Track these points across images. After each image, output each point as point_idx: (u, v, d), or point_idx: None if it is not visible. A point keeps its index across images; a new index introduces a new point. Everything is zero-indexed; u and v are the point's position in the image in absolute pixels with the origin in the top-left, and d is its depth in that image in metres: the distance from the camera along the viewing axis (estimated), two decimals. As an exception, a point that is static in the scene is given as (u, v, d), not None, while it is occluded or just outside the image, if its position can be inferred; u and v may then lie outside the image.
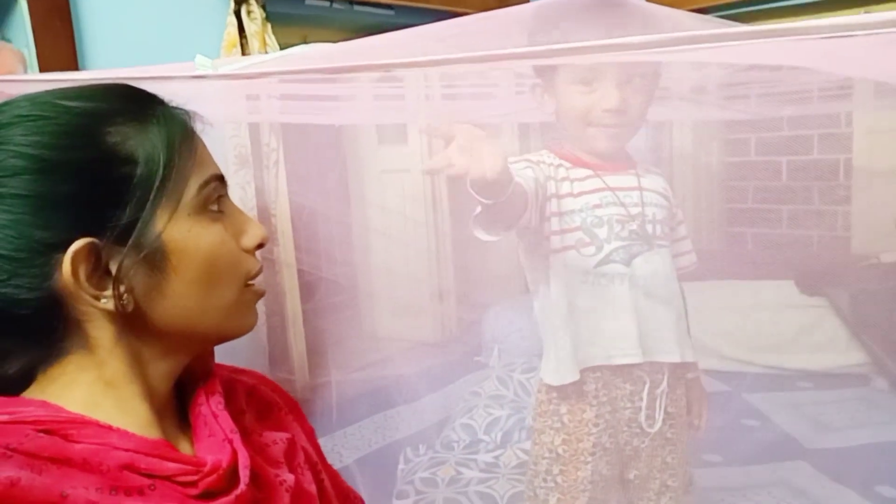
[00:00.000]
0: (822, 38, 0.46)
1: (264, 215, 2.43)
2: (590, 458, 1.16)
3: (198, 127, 0.63)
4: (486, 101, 1.59)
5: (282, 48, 2.27)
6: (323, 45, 1.14)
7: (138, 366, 0.59)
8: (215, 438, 0.60)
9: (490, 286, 3.18)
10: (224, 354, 0.71)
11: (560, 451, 1.18)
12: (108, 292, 0.54)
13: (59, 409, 0.54)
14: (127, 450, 0.53)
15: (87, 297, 0.54)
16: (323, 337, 2.68)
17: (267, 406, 0.74)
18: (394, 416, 2.52)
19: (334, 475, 0.80)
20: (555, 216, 1.12)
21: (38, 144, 0.53)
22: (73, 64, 1.97)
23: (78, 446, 0.51)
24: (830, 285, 2.62)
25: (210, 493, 0.56)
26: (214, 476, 0.56)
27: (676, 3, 1.01)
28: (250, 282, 0.64)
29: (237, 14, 2.24)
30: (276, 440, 0.68)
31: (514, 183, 0.92)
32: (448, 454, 2.19)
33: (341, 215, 2.75)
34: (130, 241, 0.55)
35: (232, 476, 0.57)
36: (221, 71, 0.90)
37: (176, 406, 0.65)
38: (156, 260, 0.56)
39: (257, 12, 2.27)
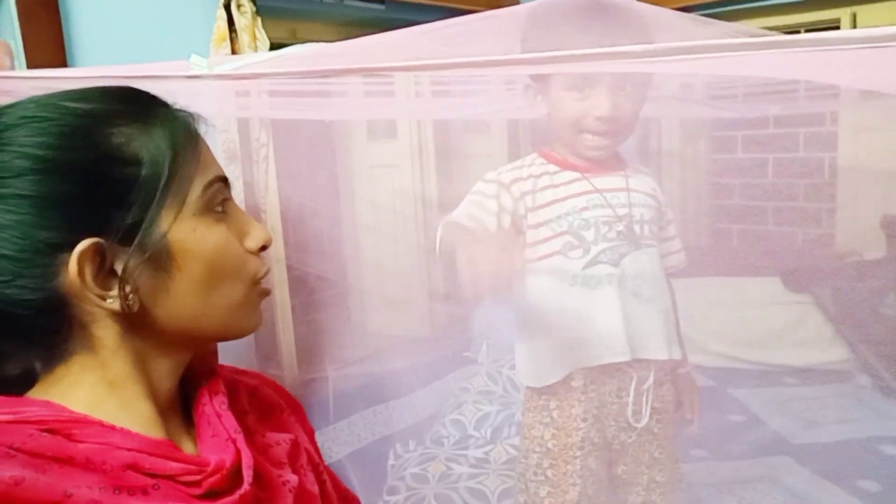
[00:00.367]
0: (810, 50, 0.47)
1: (253, 211, 2.42)
2: (579, 453, 1.18)
3: (201, 129, 0.63)
4: (476, 97, 1.60)
5: (272, 43, 2.27)
6: (318, 45, 1.15)
7: (142, 365, 0.59)
8: (219, 438, 0.60)
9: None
10: (213, 351, 0.71)
11: (550, 445, 1.19)
12: (114, 292, 0.55)
13: (63, 409, 0.54)
14: (130, 449, 0.53)
15: (93, 298, 0.54)
16: (312, 333, 2.67)
17: (269, 407, 0.74)
18: (383, 412, 2.51)
19: (334, 477, 0.80)
20: (541, 226, 1.14)
21: (42, 145, 0.53)
22: (60, 55, 1.94)
23: (81, 446, 0.52)
24: (815, 282, 2.65)
25: (213, 493, 0.56)
26: (218, 476, 0.56)
27: (661, 2, 1.02)
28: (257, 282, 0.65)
29: (227, 8, 2.22)
30: (279, 441, 0.68)
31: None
32: (438, 450, 2.20)
33: (331, 210, 2.73)
34: (136, 242, 0.55)
35: (235, 476, 0.58)
36: (217, 71, 0.91)
37: (179, 406, 0.65)
38: (161, 260, 0.56)
39: (247, 6, 2.25)
